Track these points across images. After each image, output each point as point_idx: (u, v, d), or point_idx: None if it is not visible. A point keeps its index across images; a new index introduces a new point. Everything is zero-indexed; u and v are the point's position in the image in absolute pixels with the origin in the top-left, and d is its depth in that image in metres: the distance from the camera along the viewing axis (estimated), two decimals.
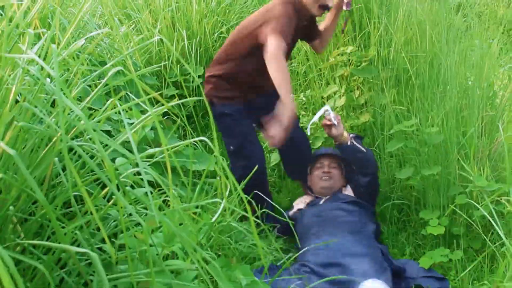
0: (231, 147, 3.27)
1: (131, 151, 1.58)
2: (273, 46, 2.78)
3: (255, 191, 2.77)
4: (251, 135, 3.34)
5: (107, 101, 2.55)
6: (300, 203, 3.56)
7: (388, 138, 3.67)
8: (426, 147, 3.26)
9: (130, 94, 2.48)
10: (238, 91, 3.31)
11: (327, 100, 4.11)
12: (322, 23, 3.55)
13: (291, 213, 3.49)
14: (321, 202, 3.41)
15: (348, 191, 3.49)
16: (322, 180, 3.52)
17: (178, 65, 4.37)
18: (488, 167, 3.03)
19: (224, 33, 5.02)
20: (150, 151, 1.80)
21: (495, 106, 3.67)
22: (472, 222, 2.95)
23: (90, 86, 2.53)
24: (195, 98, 3.94)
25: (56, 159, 1.60)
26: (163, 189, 1.97)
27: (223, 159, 1.72)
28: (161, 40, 4.39)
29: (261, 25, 2.99)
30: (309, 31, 3.46)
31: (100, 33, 3.17)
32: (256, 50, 3.01)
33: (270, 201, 3.18)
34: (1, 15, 2.09)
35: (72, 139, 1.76)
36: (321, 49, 3.66)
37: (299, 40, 3.62)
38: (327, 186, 3.49)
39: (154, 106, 3.51)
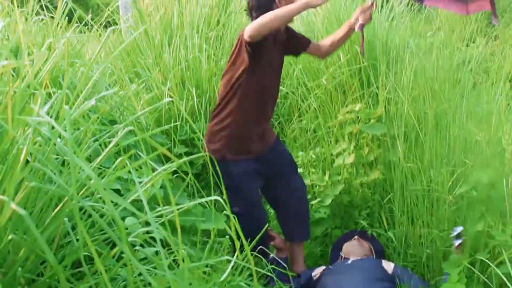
0: (235, 209, 3.19)
1: (139, 209, 1.57)
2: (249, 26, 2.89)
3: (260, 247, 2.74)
4: (257, 201, 3.34)
5: (116, 159, 2.56)
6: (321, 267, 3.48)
7: (400, 194, 3.64)
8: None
9: (140, 153, 2.48)
10: (248, 142, 3.28)
11: (336, 157, 4.10)
12: (331, 36, 3.49)
13: (313, 273, 3.41)
14: (349, 261, 3.34)
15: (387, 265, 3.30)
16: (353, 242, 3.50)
17: (188, 124, 4.39)
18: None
19: None
20: (160, 210, 1.79)
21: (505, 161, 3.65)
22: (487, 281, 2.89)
23: (100, 145, 2.54)
24: (201, 153, 3.94)
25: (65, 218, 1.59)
26: (172, 248, 1.95)
27: (234, 218, 1.71)
28: (171, 97, 4.43)
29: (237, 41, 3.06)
30: (291, 45, 3.37)
31: (110, 93, 3.21)
32: (245, 74, 3.07)
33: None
34: (13, 75, 2.11)
35: (83, 198, 1.76)
36: (323, 57, 3.62)
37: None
38: (358, 247, 3.46)
39: (164, 164, 3.52)
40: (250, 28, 2.87)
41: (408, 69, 4.02)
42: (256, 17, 2.93)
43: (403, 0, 5.42)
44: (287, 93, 4.99)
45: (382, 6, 5.06)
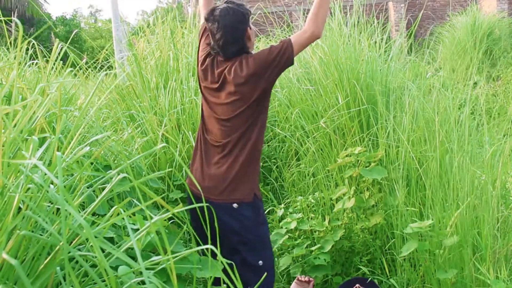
0: (261, 262, 3.00)
1: (134, 257, 1.53)
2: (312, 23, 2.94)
3: None
4: None
5: (110, 206, 2.48)
6: None
7: (401, 239, 3.57)
8: (441, 249, 3.17)
9: (134, 200, 2.42)
10: (257, 178, 3.17)
11: (336, 202, 4.03)
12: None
13: None
14: None
15: None
16: None
17: (183, 169, 4.33)
18: (505, 269, 2.93)
19: None
20: (155, 259, 1.74)
21: (509, 205, 3.60)
22: None
23: (94, 191, 2.47)
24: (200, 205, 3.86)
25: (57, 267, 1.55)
26: None
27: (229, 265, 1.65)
28: (167, 141, 4.38)
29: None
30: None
31: (105, 137, 3.15)
32: (264, 101, 3.08)
33: None
34: (4, 121, 2.04)
35: (76, 246, 1.73)
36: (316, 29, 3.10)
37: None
38: None
39: (159, 209, 3.45)
40: (317, 25, 2.94)
41: (408, 111, 3.98)
42: (234, 52, 2.99)
43: (400, 41, 5.44)
44: (285, 136, 4.95)
45: (380, 47, 5.07)
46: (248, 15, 3.08)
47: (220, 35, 2.97)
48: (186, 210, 3.18)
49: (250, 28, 3.08)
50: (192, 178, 2.71)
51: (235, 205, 2.95)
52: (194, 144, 3.21)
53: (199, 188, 2.82)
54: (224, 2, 3.07)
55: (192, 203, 2.74)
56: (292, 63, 3.02)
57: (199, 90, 3.21)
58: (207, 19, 3.03)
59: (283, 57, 2.94)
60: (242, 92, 2.96)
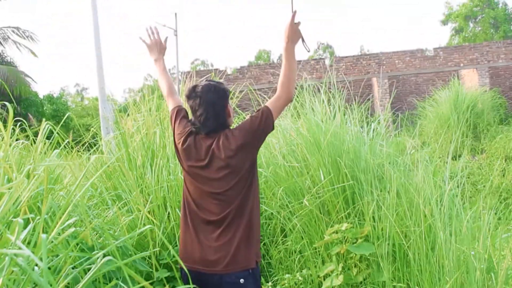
0: None
1: None
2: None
3: None
4: None
5: (96, 287, 2.44)
6: None
7: None
8: None
9: (120, 283, 2.39)
10: (259, 239, 3.21)
11: (324, 280, 3.99)
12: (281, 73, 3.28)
13: None
14: None
15: None
16: None
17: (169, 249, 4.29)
18: None
19: None
20: None
21: (496, 278, 3.58)
22: None
23: (79, 272, 2.44)
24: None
25: None
26: None
27: None
28: (153, 221, 4.35)
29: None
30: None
31: (90, 217, 3.14)
32: (255, 165, 3.15)
33: None
34: None
35: None
36: (287, 93, 3.22)
37: None
38: None
39: None
40: (290, 91, 3.10)
41: (393, 186, 4.01)
42: (215, 127, 3.09)
43: (383, 117, 5.52)
44: (271, 213, 4.94)
45: (367, 123, 5.15)
46: (228, 93, 3.21)
47: (202, 111, 3.07)
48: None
49: (230, 106, 3.19)
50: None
51: (241, 281, 2.95)
52: (181, 223, 3.18)
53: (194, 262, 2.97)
54: (205, 80, 3.19)
55: (187, 279, 2.91)
56: (273, 128, 3.12)
57: (183, 170, 3.23)
58: (188, 96, 3.12)
59: (266, 123, 3.04)
60: (233, 165, 3.01)
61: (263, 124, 3.04)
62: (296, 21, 3.18)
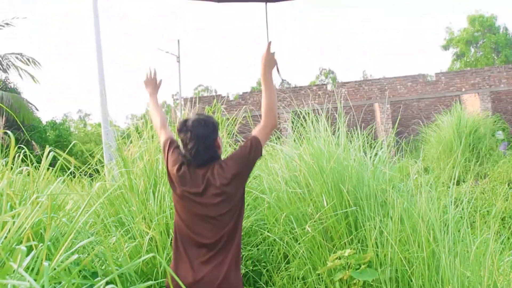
0: None
1: None
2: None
3: None
4: None
5: None
6: None
7: None
8: None
9: None
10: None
11: None
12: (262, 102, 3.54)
13: None
14: None
15: None
16: None
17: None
18: None
19: None
20: None
21: None
22: None
23: None
24: None
25: None
26: None
27: None
28: (155, 245, 4.35)
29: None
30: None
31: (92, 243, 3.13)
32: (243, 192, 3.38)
33: None
34: None
35: None
36: (270, 120, 3.47)
37: None
38: None
39: None
40: (274, 118, 3.36)
41: (396, 212, 4.00)
42: (206, 159, 3.25)
43: (386, 142, 5.53)
44: (274, 240, 4.92)
45: (370, 148, 5.14)
46: (217, 126, 3.38)
47: (192, 144, 3.22)
48: None
49: (219, 137, 3.37)
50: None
51: None
52: (173, 247, 3.34)
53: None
54: (196, 114, 3.37)
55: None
56: (261, 155, 3.34)
57: (174, 194, 3.38)
58: (179, 130, 3.29)
59: (256, 151, 3.26)
60: (227, 193, 3.19)
61: (253, 153, 3.25)
62: (271, 51, 3.48)
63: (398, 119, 7.79)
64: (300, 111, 5.74)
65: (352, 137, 5.23)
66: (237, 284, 3.21)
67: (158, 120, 3.80)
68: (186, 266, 3.19)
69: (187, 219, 3.26)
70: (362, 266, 3.86)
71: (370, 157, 5.11)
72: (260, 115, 3.43)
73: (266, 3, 4.71)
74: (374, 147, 5.26)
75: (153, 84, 4.03)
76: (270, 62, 3.45)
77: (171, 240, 4.54)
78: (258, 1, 5.02)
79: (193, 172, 3.26)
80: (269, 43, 3.50)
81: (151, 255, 2.30)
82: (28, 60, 23.27)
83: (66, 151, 4.32)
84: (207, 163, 3.25)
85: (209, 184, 3.19)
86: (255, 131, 3.35)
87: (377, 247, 3.99)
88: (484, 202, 7.75)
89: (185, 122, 3.29)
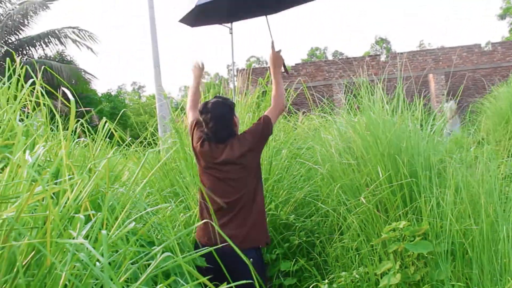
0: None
1: None
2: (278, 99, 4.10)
3: None
4: None
5: (155, 283, 2.47)
6: None
7: None
8: None
9: (179, 279, 2.42)
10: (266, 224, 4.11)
11: (381, 278, 3.94)
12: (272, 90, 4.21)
13: None
14: None
15: None
16: None
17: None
18: None
19: (273, 209, 5.02)
20: None
21: None
22: None
23: (139, 268, 2.48)
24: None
25: None
26: None
27: None
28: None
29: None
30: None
31: (149, 213, 3.18)
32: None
33: None
34: (53, 198, 2.09)
35: None
36: (278, 104, 4.13)
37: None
38: None
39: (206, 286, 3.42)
40: (282, 103, 4.06)
41: (452, 184, 3.92)
42: (225, 136, 3.86)
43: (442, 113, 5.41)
44: (327, 211, 4.91)
45: (426, 121, 5.04)
46: (233, 106, 3.97)
47: (212, 124, 3.82)
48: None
49: (236, 117, 3.96)
50: (219, 229, 2.78)
51: (253, 256, 3.63)
52: (199, 210, 3.98)
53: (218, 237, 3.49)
54: (214, 97, 3.98)
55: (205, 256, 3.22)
56: (272, 133, 4.05)
57: (199, 167, 4.01)
58: (201, 111, 3.88)
59: (268, 128, 3.93)
60: (244, 163, 3.80)
61: (266, 129, 3.91)
62: (276, 49, 4.19)
63: (451, 90, 7.61)
64: (354, 82, 5.67)
65: (407, 108, 5.13)
66: (259, 239, 3.82)
67: (190, 101, 4.39)
68: (211, 228, 3.65)
69: (210, 184, 3.82)
70: (417, 238, 3.82)
71: (426, 127, 5.00)
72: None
73: (266, 16, 5.12)
74: (432, 117, 5.14)
75: (199, 72, 4.57)
76: (278, 60, 4.19)
77: None
78: (258, 16, 5.42)
79: (214, 146, 3.84)
80: (272, 43, 4.23)
81: (205, 220, 2.36)
82: (85, 32, 23.64)
83: (118, 120, 4.43)
84: (226, 139, 3.83)
85: (228, 156, 3.78)
86: (267, 112, 4.02)
87: (433, 219, 3.93)
88: None
89: (205, 104, 3.88)
